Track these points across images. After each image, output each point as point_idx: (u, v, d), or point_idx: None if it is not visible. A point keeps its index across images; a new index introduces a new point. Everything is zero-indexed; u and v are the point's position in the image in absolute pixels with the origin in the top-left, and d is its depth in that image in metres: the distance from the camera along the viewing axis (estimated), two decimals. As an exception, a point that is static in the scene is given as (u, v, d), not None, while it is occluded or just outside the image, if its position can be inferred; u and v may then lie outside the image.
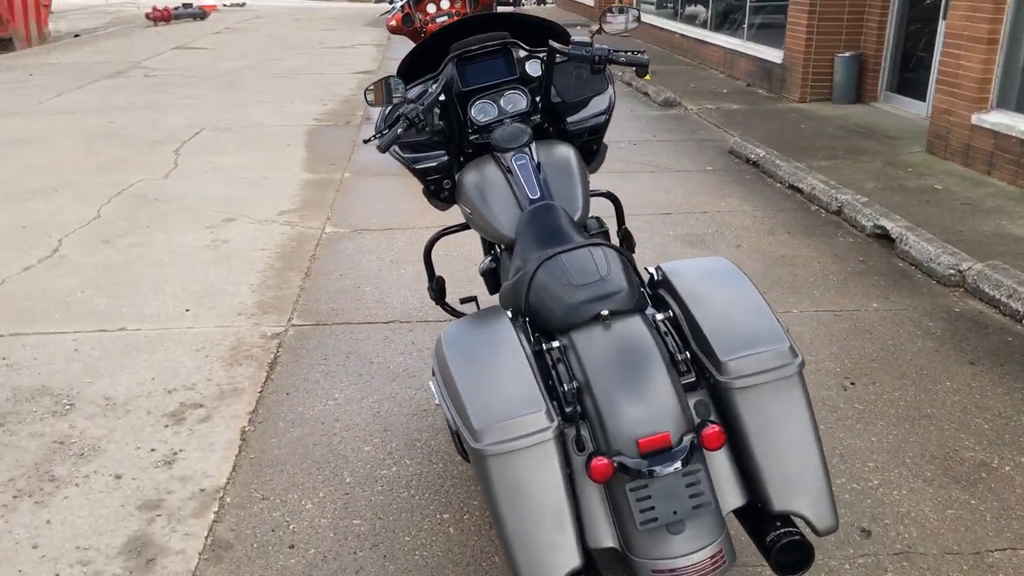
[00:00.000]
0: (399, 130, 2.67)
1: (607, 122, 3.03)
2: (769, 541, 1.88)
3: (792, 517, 1.92)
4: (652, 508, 1.79)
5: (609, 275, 2.08)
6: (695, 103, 8.87)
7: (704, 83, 10.12)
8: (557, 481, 1.82)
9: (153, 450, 2.79)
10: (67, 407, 3.05)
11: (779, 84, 9.18)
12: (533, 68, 3.01)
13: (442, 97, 2.80)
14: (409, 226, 5.06)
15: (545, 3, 25.16)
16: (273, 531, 2.41)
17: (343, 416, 3.00)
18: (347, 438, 2.87)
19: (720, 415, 1.95)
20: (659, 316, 2.04)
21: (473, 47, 2.99)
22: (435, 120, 2.89)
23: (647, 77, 3.32)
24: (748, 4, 10.31)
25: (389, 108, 2.95)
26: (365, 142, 2.74)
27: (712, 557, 1.81)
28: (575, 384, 1.92)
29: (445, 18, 7.44)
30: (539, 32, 3.10)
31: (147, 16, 18.40)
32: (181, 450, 2.79)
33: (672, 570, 1.79)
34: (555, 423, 1.82)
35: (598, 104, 3.07)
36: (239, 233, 4.92)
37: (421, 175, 2.91)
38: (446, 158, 2.92)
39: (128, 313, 3.84)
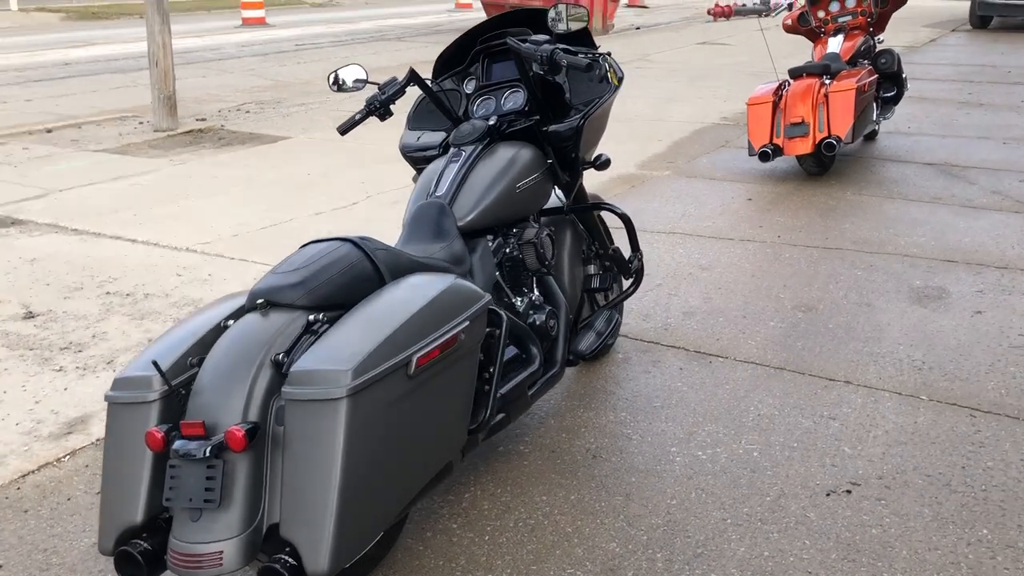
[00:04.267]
0: (357, 116, 2.88)
1: (575, 131, 2.81)
2: (264, 562, 1.80)
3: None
4: (174, 488, 1.86)
5: (302, 269, 2.10)
6: None
7: None
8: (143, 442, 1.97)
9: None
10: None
11: None
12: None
13: (410, 88, 2.90)
14: (660, 227, 4.95)
15: None
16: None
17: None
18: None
19: None
20: (311, 317, 2.02)
21: (496, 44, 2.99)
22: (463, 111, 3.00)
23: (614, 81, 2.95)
24: None
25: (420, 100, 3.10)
26: (338, 129, 2.97)
27: (198, 556, 1.82)
28: (195, 359, 2.02)
29: (848, 18, 6.77)
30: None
31: (708, 12, 19.27)
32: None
33: (173, 552, 1.85)
34: (161, 389, 1.97)
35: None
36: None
37: (411, 162, 3.04)
38: (436, 150, 3.00)
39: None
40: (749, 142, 5.92)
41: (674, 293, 4.04)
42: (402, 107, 3.46)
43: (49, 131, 8.02)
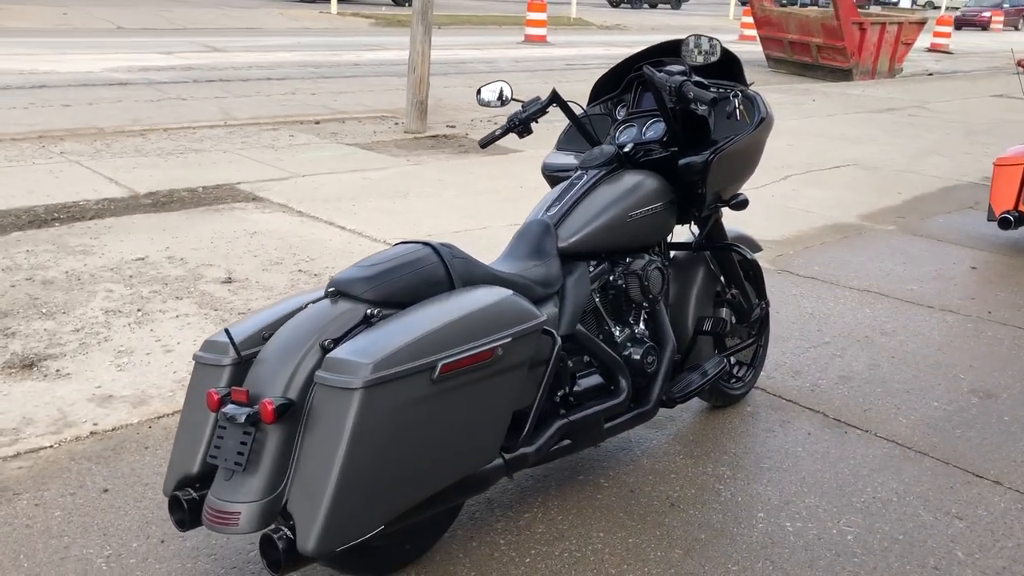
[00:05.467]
0: (498, 132, 2.97)
1: (703, 166, 2.71)
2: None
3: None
4: (218, 447, 2.03)
5: (378, 265, 2.21)
6: None
7: None
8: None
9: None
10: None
11: None
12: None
13: (551, 109, 2.94)
14: (836, 280, 4.63)
15: None
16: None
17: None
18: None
19: None
20: (368, 310, 2.11)
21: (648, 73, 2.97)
22: (604, 135, 3.03)
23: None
24: None
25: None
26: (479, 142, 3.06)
27: (223, 513, 1.97)
28: (268, 334, 2.18)
29: None
30: (726, 63, 2.89)
31: (1019, 63, 17.51)
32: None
33: (207, 506, 2.02)
34: (233, 356, 2.15)
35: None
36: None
37: (549, 181, 3.08)
38: (571, 170, 3.01)
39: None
40: (990, 206, 5.37)
41: (839, 354, 3.75)
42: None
43: (317, 123, 8.83)
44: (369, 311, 2.11)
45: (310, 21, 21.51)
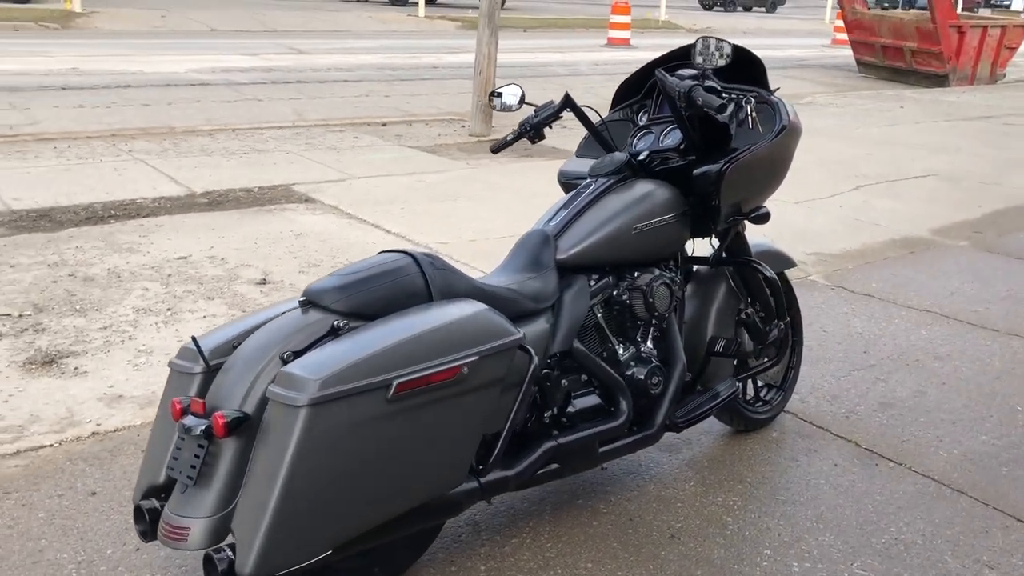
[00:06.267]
0: (509, 137, 2.87)
1: (717, 176, 2.54)
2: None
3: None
4: (176, 459, 1.97)
5: (353, 275, 2.13)
6: None
7: None
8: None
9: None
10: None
11: None
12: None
13: (565, 114, 2.82)
14: (892, 299, 4.35)
15: None
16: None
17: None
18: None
19: None
20: (335, 322, 2.03)
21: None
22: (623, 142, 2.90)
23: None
24: None
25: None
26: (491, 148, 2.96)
27: (175, 528, 1.91)
28: (237, 344, 2.12)
29: None
30: (747, 66, 2.73)
31: None
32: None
33: (162, 519, 1.96)
34: (202, 366, 2.09)
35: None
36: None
37: (564, 189, 2.96)
38: (585, 178, 2.89)
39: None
40: (1074, 222, 4.99)
41: (883, 378, 3.50)
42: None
43: (384, 124, 8.86)
44: (336, 322, 2.02)
45: (397, 24, 21.74)
